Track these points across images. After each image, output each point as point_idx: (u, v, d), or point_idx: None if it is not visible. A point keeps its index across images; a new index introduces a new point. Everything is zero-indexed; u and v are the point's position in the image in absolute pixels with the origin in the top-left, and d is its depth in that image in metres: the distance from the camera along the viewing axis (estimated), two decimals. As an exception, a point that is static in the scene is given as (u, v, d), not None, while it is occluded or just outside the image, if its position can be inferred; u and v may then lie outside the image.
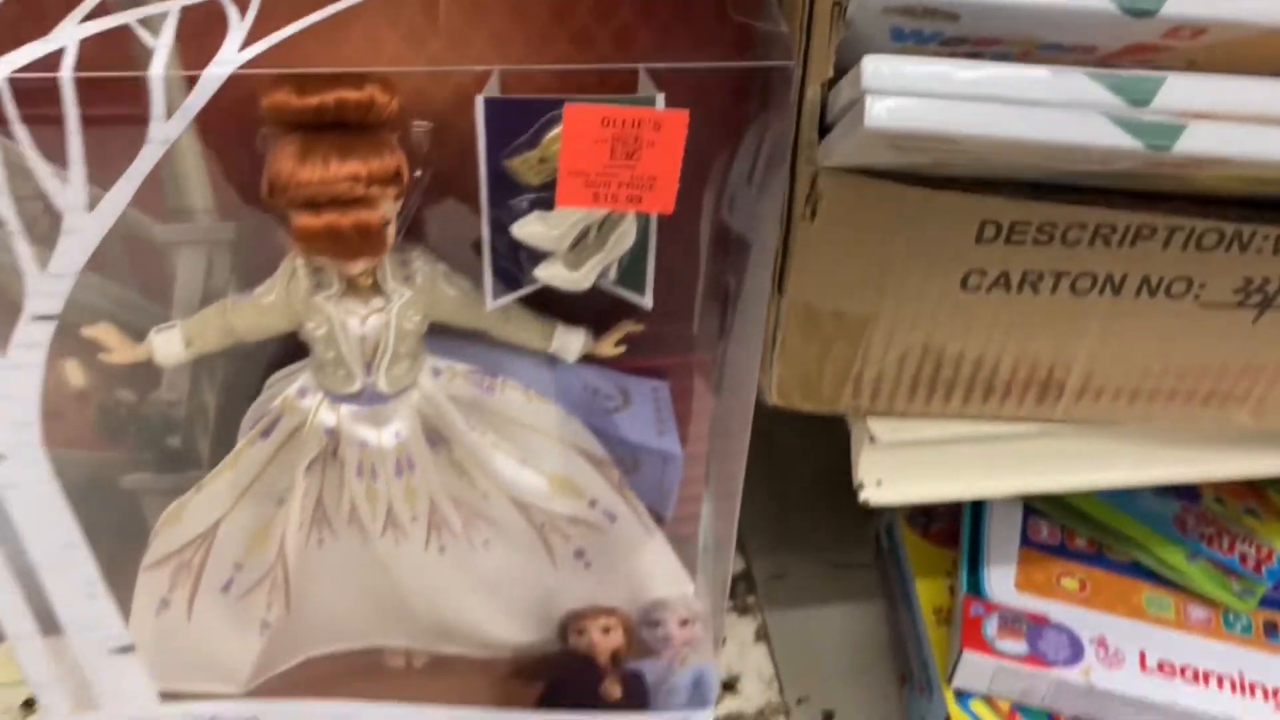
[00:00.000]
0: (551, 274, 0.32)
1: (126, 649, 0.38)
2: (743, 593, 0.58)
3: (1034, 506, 0.59)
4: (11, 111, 0.25)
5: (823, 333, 0.35)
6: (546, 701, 0.43)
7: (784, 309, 0.34)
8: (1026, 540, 0.58)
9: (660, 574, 0.41)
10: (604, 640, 0.41)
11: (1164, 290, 0.32)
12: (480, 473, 0.37)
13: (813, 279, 0.33)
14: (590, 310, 0.36)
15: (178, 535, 0.38)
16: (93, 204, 0.27)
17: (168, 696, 0.40)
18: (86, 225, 0.27)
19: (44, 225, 0.27)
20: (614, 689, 0.43)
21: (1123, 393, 0.36)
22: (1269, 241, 0.31)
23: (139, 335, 0.34)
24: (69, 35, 0.25)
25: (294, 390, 0.35)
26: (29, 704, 0.47)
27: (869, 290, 0.33)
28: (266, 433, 0.35)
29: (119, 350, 0.33)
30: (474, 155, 0.30)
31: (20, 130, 0.25)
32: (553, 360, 0.37)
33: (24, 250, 0.27)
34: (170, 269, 0.34)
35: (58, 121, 0.25)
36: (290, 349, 0.35)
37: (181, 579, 0.38)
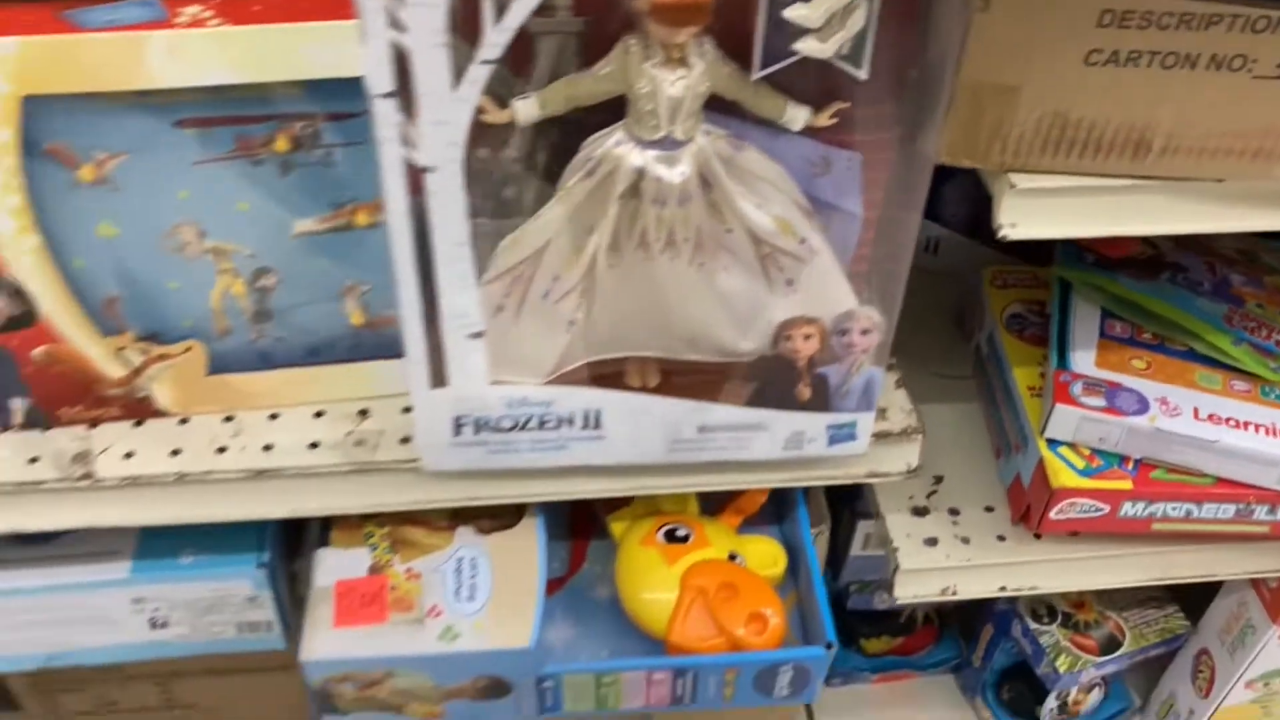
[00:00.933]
0: (808, 47, 0.47)
1: (479, 335, 0.54)
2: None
3: (1109, 309, 0.74)
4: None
5: (984, 103, 0.50)
6: (754, 400, 0.59)
7: (958, 86, 0.49)
8: (1103, 334, 0.73)
9: (845, 298, 0.56)
10: (804, 346, 0.57)
11: (1227, 65, 0.47)
12: (729, 211, 0.53)
13: (981, 60, 0.48)
14: (808, 94, 0.51)
15: (515, 255, 0.53)
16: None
17: (493, 383, 0.57)
18: (531, -7, 0.43)
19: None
20: (805, 390, 0.59)
21: (1194, 150, 0.51)
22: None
23: (503, 103, 0.49)
24: None
25: (611, 142, 0.51)
26: (363, 413, 0.63)
27: (1019, 66, 0.48)
28: (590, 173, 0.51)
29: (492, 114, 0.49)
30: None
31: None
32: (779, 130, 0.52)
33: (489, 10, 0.43)
34: (534, 52, 0.49)
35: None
36: (597, 124, 0.51)
37: (515, 289, 0.54)
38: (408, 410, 0.63)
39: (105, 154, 0.52)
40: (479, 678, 0.62)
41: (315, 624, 0.62)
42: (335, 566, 0.64)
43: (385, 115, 0.46)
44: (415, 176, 0.48)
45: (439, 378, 0.56)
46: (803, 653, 0.63)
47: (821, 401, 0.59)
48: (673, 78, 0.48)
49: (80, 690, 0.87)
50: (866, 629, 0.96)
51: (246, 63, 0.50)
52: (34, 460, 0.60)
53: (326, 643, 0.61)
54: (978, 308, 0.83)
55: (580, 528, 0.74)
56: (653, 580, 0.66)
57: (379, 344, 0.62)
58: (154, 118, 0.51)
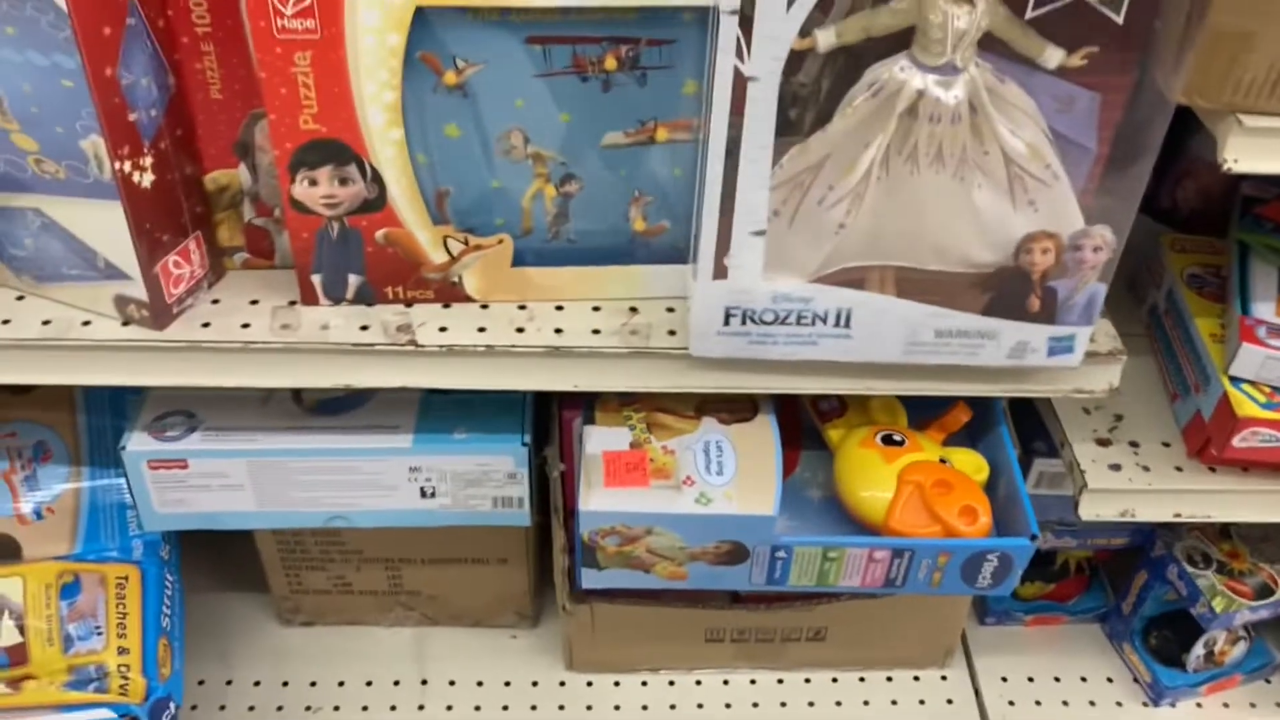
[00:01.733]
0: (1080, -12, 0.56)
1: (761, 233, 0.64)
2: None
3: (1288, 268, 0.81)
4: None
5: (1221, 48, 0.59)
6: (988, 309, 0.68)
7: (1200, 32, 0.58)
8: (1282, 289, 0.80)
9: (1078, 220, 0.65)
10: (1041, 260, 0.65)
11: None
12: (989, 134, 0.62)
13: (1222, 7, 0.57)
14: (1060, 35, 0.60)
15: (798, 164, 0.63)
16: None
17: (765, 278, 0.66)
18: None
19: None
20: (1035, 302, 0.67)
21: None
22: None
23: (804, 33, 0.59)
24: None
25: (896, 68, 0.60)
26: (634, 309, 0.73)
27: (1258, 14, 0.57)
28: (875, 93, 0.61)
29: (797, 41, 0.59)
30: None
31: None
32: (1033, 68, 0.61)
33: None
34: (838, -11, 0.59)
35: None
36: (876, 55, 0.61)
37: (793, 195, 0.64)
38: (671, 310, 0.73)
39: (465, 63, 0.63)
40: (722, 542, 0.72)
41: (589, 484, 0.72)
42: (601, 440, 0.74)
43: (728, 29, 0.56)
44: (740, 84, 0.58)
45: (721, 271, 0.66)
46: (1009, 542, 0.72)
47: (1049, 313, 0.67)
48: (960, 12, 0.58)
49: (322, 569, 0.98)
50: (1024, 573, 1.03)
51: (599, -12, 0.60)
52: (365, 328, 0.71)
53: (599, 498, 0.71)
54: (1156, 268, 0.90)
55: (791, 438, 0.83)
56: (872, 477, 0.75)
57: (651, 250, 0.72)
58: (510, 33, 0.62)
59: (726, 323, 0.68)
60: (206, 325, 0.70)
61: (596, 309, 0.73)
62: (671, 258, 0.72)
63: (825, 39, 0.59)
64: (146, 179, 0.64)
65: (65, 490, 0.86)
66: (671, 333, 0.72)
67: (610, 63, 0.64)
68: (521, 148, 0.67)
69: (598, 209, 0.70)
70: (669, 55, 0.64)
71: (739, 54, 0.57)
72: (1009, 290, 0.67)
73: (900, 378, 0.72)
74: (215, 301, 0.72)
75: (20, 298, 0.71)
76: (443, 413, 0.80)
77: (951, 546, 0.72)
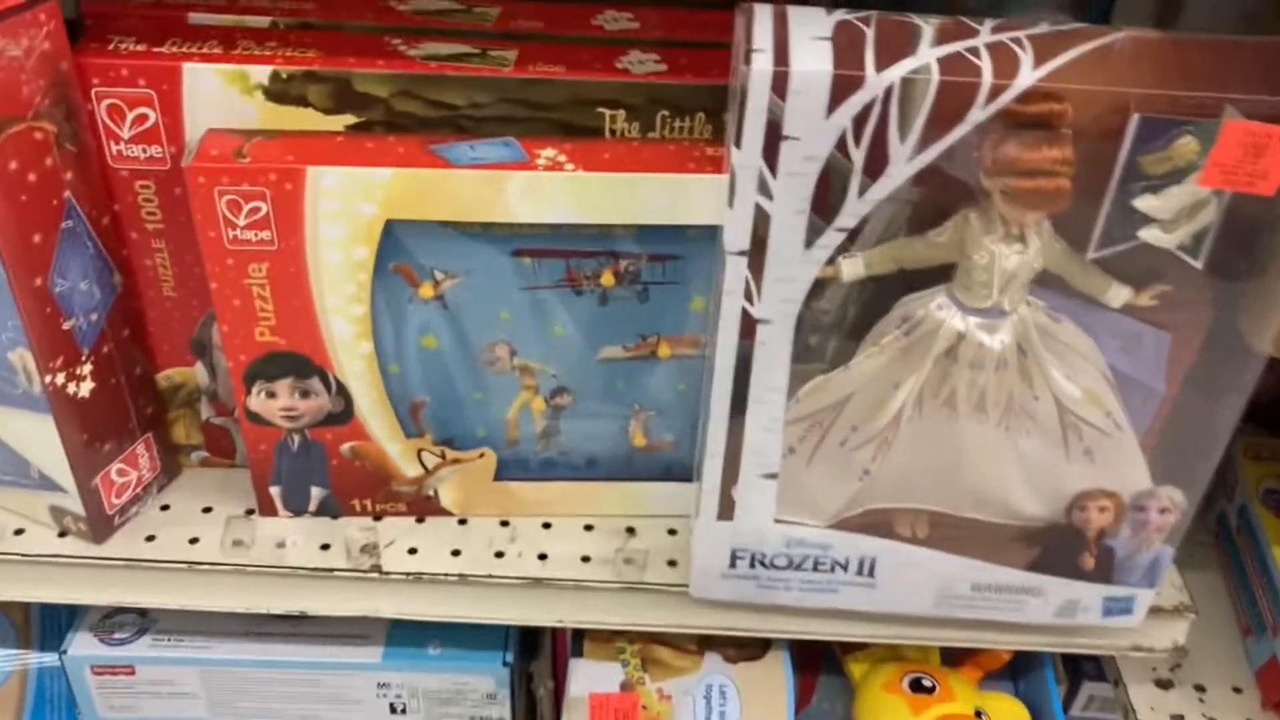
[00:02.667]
0: (1152, 236, 0.48)
1: (772, 475, 0.56)
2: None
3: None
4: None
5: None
6: (1034, 565, 0.59)
7: (1292, 280, 0.49)
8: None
9: (1141, 475, 0.56)
10: (1098, 518, 0.56)
11: None
12: (1040, 379, 0.53)
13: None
14: (1127, 270, 0.51)
15: (817, 401, 0.55)
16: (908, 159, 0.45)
17: (777, 521, 0.58)
18: (899, 173, 0.45)
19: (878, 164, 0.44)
20: (1089, 560, 0.58)
21: None
22: None
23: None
24: (930, 55, 0.43)
25: (934, 305, 0.52)
26: (631, 530, 0.65)
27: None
28: (907, 332, 0.52)
29: (821, 270, 0.51)
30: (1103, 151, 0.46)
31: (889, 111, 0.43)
32: (1095, 305, 0.52)
33: (855, 181, 0.45)
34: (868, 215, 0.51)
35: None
36: (911, 284, 0.52)
37: (810, 434, 0.56)
38: (673, 532, 0.65)
39: (444, 274, 0.56)
40: (720, 809, 0.63)
41: (570, 735, 0.63)
42: (589, 678, 0.66)
43: (735, 270, 0.48)
44: (748, 325, 0.50)
45: (726, 511, 0.57)
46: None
47: (1104, 573, 0.58)
48: (1010, 252, 0.49)
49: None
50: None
51: (595, 205, 0.53)
52: (325, 547, 0.63)
53: (580, 756, 0.63)
54: (1229, 475, 0.81)
55: (807, 661, 0.74)
56: (896, 728, 0.66)
57: (651, 465, 0.64)
58: (495, 245, 0.55)
59: (733, 565, 0.59)
60: (151, 539, 0.63)
61: (589, 527, 0.65)
62: (674, 474, 0.64)
63: (851, 269, 0.51)
64: (85, 388, 0.57)
65: (11, 672, 0.79)
66: (672, 563, 0.63)
67: (608, 278, 0.56)
68: (507, 359, 0.59)
69: (593, 422, 0.62)
70: (673, 271, 0.56)
71: (747, 296, 0.49)
72: (1059, 546, 0.58)
73: (932, 628, 0.62)
74: (165, 508, 0.65)
75: (-48, 496, 0.64)
76: (417, 621, 0.72)
77: (985, 823, 0.62)
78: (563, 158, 0.53)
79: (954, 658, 0.71)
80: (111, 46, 0.53)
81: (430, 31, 0.56)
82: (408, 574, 0.62)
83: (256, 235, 0.53)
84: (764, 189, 0.46)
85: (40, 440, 0.58)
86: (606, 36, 0.57)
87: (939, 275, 0.52)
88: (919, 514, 0.59)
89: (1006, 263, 0.49)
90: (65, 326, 0.55)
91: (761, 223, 0.47)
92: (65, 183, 0.53)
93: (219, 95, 0.53)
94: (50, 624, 0.80)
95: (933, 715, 0.65)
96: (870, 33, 0.44)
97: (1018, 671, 0.73)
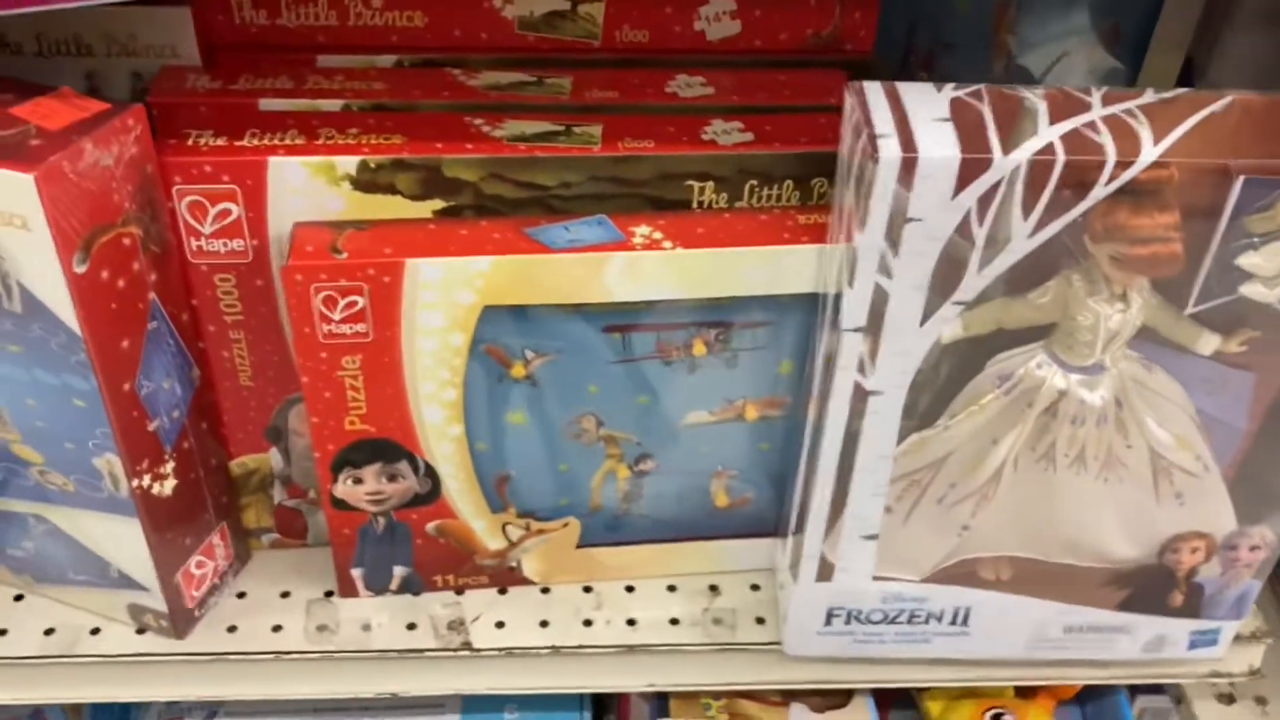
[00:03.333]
0: (1253, 292, 0.49)
1: (872, 537, 0.56)
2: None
3: None
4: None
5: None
6: (1125, 605, 0.60)
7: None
8: None
9: (1229, 514, 0.57)
10: (1190, 559, 0.58)
11: None
12: (1135, 427, 0.54)
13: None
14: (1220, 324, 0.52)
15: (915, 461, 0.55)
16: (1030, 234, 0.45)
17: (874, 578, 0.58)
18: (1019, 249, 0.45)
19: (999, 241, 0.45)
20: (1179, 597, 0.59)
21: None
22: None
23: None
24: (1052, 134, 0.43)
25: (1033, 364, 0.53)
26: (714, 588, 0.65)
27: None
28: (1007, 391, 0.53)
29: (915, 331, 0.51)
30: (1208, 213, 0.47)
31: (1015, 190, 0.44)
32: (1183, 351, 0.53)
33: (976, 258, 0.46)
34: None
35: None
36: (1004, 342, 0.53)
37: (909, 492, 0.56)
38: (755, 588, 0.65)
39: (535, 354, 0.55)
40: None
41: (671, 800, 0.63)
42: (679, 739, 0.66)
43: (850, 346, 0.49)
44: (860, 396, 0.50)
45: (825, 572, 0.57)
46: None
47: (1193, 609, 0.59)
48: (1113, 312, 0.50)
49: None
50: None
51: (693, 281, 0.53)
52: (412, 626, 0.62)
53: (679, 821, 0.63)
54: None
55: (881, 701, 0.75)
56: (980, 766, 0.66)
57: (732, 523, 0.64)
58: (587, 324, 0.54)
59: (828, 623, 0.60)
60: (233, 630, 0.61)
61: (672, 588, 0.65)
62: (755, 530, 0.65)
63: (950, 331, 0.51)
64: (168, 486, 0.56)
65: (76, 767, 0.77)
66: (760, 620, 0.63)
67: (699, 349, 0.56)
68: (593, 431, 0.59)
69: (675, 486, 0.62)
70: (764, 337, 0.56)
71: (860, 369, 0.49)
72: (1149, 585, 0.59)
73: (1020, 668, 0.63)
74: (241, 595, 0.64)
75: (19, 597, 0.63)
76: (493, 687, 0.71)
77: None
78: (658, 235, 0.53)
79: (1026, 689, 0.72)
80: (190, 142, 0.52)
81: (509, 108, 0.56)
82: (499, 649, 0.61)
83: (352, 329, 0.52)
84: (884, 268, 0.46)
85: (122, 541, 0.57)
86: (685, 105, 0.57)
87: (1035, 333, 0.52)
88: (1000, 560, 0.60)
89: (1110, 322, 0.50)
90: (150, 428, 0.54)
91: (879, 300, 0.47)
92: (150, 284, 0.51)
93: (305, 186, 0.52)
94: (102, 713, 0.78)
95: (1017, 751, 0.66)
96: (987, 111, 0.45)
97: (1085, 698, 0.74)
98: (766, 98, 0.58)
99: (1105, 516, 0.57)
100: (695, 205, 0.55)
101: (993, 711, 0.69)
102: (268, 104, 0.55)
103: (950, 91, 0.46)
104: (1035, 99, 0.46)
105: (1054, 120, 0.45)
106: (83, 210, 0.46)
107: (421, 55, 0.59)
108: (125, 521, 0.55)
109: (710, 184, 0.54)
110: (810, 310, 0.54)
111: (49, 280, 0.47)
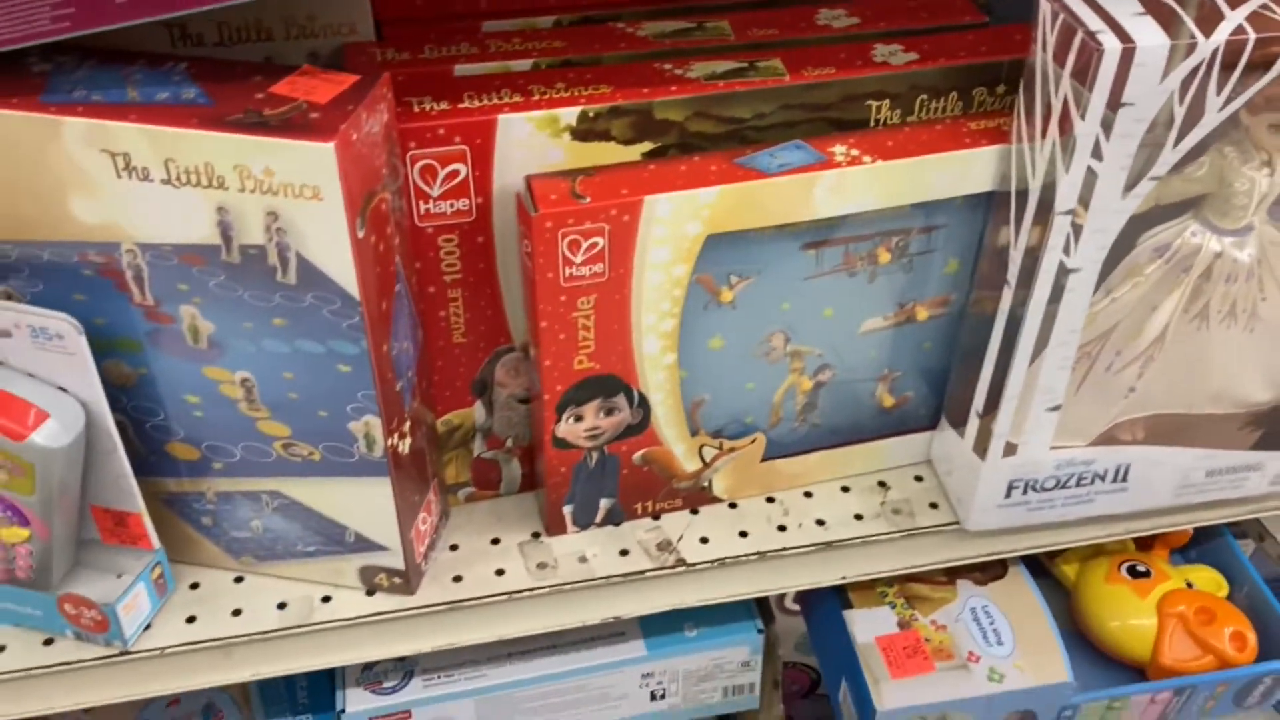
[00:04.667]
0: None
1: (1057, 408, 0.62)
2: None
3: None
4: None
5: None
6: (1258, 444, 0.67)
7: None
8: None
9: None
10: (1316, 392, 0.65)
11: None
12: (1270, 280, 0.61)
13: None
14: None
15: (1087, 335, 0.62)
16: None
17: (1052, 448, 0.64)
18: (1210, 122, 0.52)
19: (1192, 118, 0.51)
20: (1304, 431, 0.67)
21: None
22: None
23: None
24: (1238, 17, 0.50)
25: (1187, 232, 0.59)
26: (883, 484, 0.71)
27: None
28: (1167, 260, 0.60)
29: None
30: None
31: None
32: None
33: (1173, 133, 0.52)
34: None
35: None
36: (1155, 219, 0.60)
37: (1080, 364, 0.62)
38: (919, 479, 0.71)
39: (739, 278, 0.60)
40: (1012, 713, 0.70)
41: (876, 679, 0.69)
42: (867, 625, 0.71)
43: (1060, 227, 0.54)
44: (1061, 275, 0.56)
45: (1010, 448, 0.63)
46: (1285, 663, 0.71)
47: (1316, 438, 0.67)
48: (1262, 176, 0.57)
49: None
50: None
51: (889, 191, 0.58)
52: (624, 553, 0.66)
53: (892, 693, 0.68)
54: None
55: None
56: (1129, 611, 0.74)
57: (893, 422, 0.70)
58: (787, 242, 0.59)
59: (1008, 495, 0.66)
60: (458, 579, 0.64)
61: (845, 489, 0.70)
62: (913, 426, 0.70)
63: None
64: (406, 444, 0.59)
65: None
66: (933, 505, 0.69)
67: (883, 256, 0.61)
68: (781, 348, 0.64)
69: (847, 393, 0.67)
70: (936, 240, 0.62)
71: (1065, 250, 0.55)
72: (1276, 423, 0.66)
73: (1161, 516, 0.71)
74: (454, 548, 0.67)
75: (239, 579, 0.64)
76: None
77: (1229, 677, 0.71)
78: (855, 151, 0.57)
79: (1142, 542, 0.80)
80: (416, 108, 0.54)
81: (689, 52, 0.59)
82: (710, 561, 0.65)
83: (590, 270, 0.55)
84: (1097, 153, 0.52)
85: (366, 503, 0.59)
86: (842, 34, 0.61)
87: (1184, 206, 0.59)
88: (1135, 421, 0.67)
89: (1262, 186, 0.57)
90: (398, 388, 0.57)
91: (1089, 182, 0.53)
92: (395, 248, 0.54)
93: (528, 140, 0.55)
94: (270, 692, 0.79)
95: (1157, 594, 0.74)
96: (1174, 3, 0.51)
97: (1192, 544, 0.82)
98: (908, 20, 0.63)
99: (1249, 364, 0.64)
100: (872, 123, 0.60)
101: (1128, 564, 0.76)
102: (463, 69, 0.58)
103: (1133, -12, 0.52)
104: (1207, -13, 0.52)
105: (1232, 5, 0.51)
106: (361, 177, 0.49)
107: (579, 14, 0.63)
108: (374, 483, 0.58)
109: (886, 102, 0.59)
110: (977, 209, 0.60)
111: (334, 247, 0.49)
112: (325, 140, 0.46)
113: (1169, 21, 0.50)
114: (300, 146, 0.46)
